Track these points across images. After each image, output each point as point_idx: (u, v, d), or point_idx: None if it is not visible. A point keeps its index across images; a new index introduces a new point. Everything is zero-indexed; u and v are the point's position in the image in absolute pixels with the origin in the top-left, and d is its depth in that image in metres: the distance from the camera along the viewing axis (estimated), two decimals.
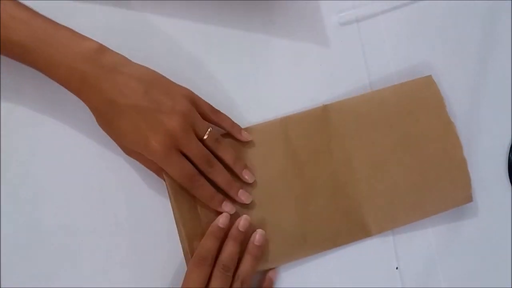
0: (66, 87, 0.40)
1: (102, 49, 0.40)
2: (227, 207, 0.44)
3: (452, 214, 0.50)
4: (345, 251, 0.48)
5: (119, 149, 0.45)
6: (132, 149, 0.41)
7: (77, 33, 0.40)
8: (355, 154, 0.48)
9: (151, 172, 0.45)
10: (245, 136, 0.46)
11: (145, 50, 0.47)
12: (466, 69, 0.53)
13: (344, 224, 0.47)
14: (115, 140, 0.42)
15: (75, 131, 0.46)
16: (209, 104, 0.45)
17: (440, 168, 0.48)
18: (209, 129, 0.43)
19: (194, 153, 0.41)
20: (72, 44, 0.39)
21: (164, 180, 0.43)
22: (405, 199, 0.48)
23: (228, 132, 0.46)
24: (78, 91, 0.40)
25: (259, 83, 0.49)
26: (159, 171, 0.43)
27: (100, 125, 0.42)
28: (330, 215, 0.47)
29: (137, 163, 0.45)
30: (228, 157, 0.44)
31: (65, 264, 0.44)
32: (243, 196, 0.45)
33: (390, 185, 0.48)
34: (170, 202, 0.44)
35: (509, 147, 0.53)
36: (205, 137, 0.43)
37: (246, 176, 0.45)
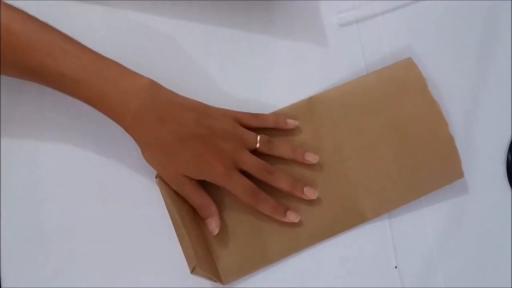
0: (117, 120, 0.41)
1: (155, 84, 0.41)
2: (292, 216, 0.45)
3: (451, 213, 0.50)
4: (344, 251, 0.48)
5: (119, 149, 0.45)
6: (193, 176, 0.42)
7: (127, 68, 0.41)
8: (344, 142, 0.48)
9: (151, 172, 0.45)
10: (291, 123, 0.47)
11: (145, 50, 0.47)
12: (466, 69, 0.53)
13: (339, 212, 0.47)
14: (169, 170, 0.42)
15: (75, 132, 0.46)
16: (247, 113, 0.46)
17: (428, 147, 0.49)
18: (258, 137, 0.44)
19: (252, 167, 0.43)
20: (125, 78, 0.40)
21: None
22: (398, 181, 0.48)
23: (275, 128, 0.47)
24: (130, 124, 0.40)
25: (258, 83, 0.49)
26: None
27: (151, 158, 0.42)
28: (325, 205, 0.47)
29: (137, 163, 0.45)
30: (286, 152, 0.46)
31: (65, 264, 0.44)
32: (309, 192, 0.46)
33: (382, 169, 0.48)
34: (167, 206, 0.44)
35: (508, 147, 0.53)
36: (257, 146, 0.44)
37: (310, 159, 0.46)
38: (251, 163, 0.43)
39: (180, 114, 0.41)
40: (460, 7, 0.53)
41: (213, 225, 0.44)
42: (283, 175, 0.45)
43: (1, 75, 0.42)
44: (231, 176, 0.42)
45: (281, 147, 0.46)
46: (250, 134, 0.44)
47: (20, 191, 0.44)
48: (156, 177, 0.44)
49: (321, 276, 0.48)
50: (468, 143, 0.50)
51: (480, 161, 0.51)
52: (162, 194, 0.44)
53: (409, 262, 0.49)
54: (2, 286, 0.43)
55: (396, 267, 0.49)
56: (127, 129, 0.41)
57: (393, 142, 0.48)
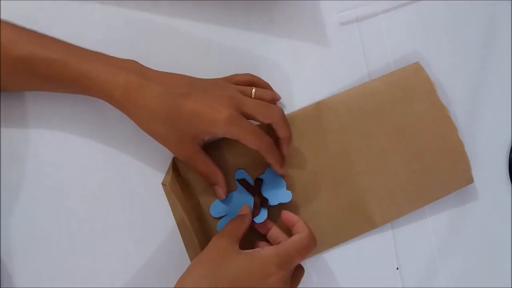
0: (107, 98, 0.40)
1: (138, 62, 0.42)
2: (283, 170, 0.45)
3: (453, 214, 0.50)
4: (346, 252, 0.48)
5: (119, 148, 0.45)
6: (200, 131, 0.41)
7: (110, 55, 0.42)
8: (352, 147, 0.48)
9: (150, 172, 0.45)
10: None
11: (145, 50, 0.47)
12: (467, 69, 0.53)
13: (348, 219, 0.47)
14: (173, 136, 0.41)
15: (74, 132, 0.46)
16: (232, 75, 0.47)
17: (437, 152, 0.48)
18: (253, 89, 0.45)
19: (254, 105, 0.42)
20: (111, 59, 0.41)
21: None
22: (407, 187, 0.48)
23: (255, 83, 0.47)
24: (120, 98, 0.40)
25: None
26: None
27: (151, 130, 0.41)
28: (334, 211, 0.47)
29: (136, 163, 0.45)
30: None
31: (65, 264, 0.44)
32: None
33: (390, 175, 0.48)
34: (170, 202, 0.44)
35: (510, 147, 0.52)
36: (253, 92, 0.44)
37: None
38: (253, 104, 0.42)
39: (172, 77, 0.41)
40: (461, 6, 0.53)
41: (220, 192, 0.44)
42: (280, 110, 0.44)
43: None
44: (238, 119, 0.40)
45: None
46: (245, 86, 0.45)
47: (20, 191, 0.44)
48: (162, 183, 0.44)
49: (323, 277, 0.48)
50: (469, 143, 0.50)
51: (482, 161, 0.51)
52: (170, 200, 0.44)
53: (410, 263, 0.49)
54: (2, 286, 0.43)
55: (397, 268, 0.49)
56: (118, 104, 0.40)
57: (401, 147, 0.48)
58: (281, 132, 0.44)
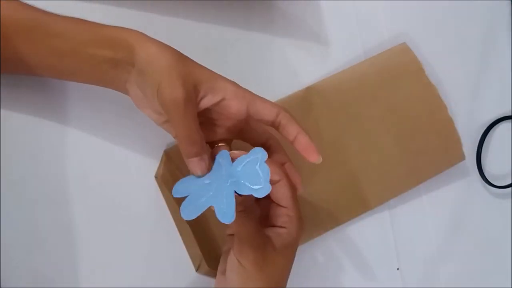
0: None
1: None
2: None
3: (453, 214, 0.50)
4: (346, 252, 0.48)
5: (119, 148, 0.45)
6: (208, 77, 0.39)
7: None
8: (344, 131, 0.48)
9: (149, 172, 0.45)
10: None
11: None
12: (467, 69, 0.53)
13: (343, 202, 0.47)
14: (184, 66, 0.38)
15: (74, 131, 0.46)
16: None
17: (428, 131, 0.49)
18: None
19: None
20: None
21: None
22: (399, 167, 0.48)
23: None
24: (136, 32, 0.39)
25: (258, 83, 0.49)
26: None
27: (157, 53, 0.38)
28: (328, 195, 0.47)
29: (136, 163, 0.45)
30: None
31: (65, 265, 0.44)
32: None
33: (383, 156, 0.48)
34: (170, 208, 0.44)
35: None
36: None
37: None
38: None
39: None
40: (460, 6, 0.53)
41: (203, 165, 0.36)
42: None
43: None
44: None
45: None
46: None
47: (20, 190, 0.44)
48: (155, 176, 0.44)
49: (323, 277, 0.48)
50: (469, 143, 0.50)
51: (484, 160, 0.51)
52: (163, 192, 0.44)
53: (411, 263, 0.49)
54: (2, 286, 0.43)
55: (398, 269, 0.49)
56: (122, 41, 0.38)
57: (392, 128, 0.48)
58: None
